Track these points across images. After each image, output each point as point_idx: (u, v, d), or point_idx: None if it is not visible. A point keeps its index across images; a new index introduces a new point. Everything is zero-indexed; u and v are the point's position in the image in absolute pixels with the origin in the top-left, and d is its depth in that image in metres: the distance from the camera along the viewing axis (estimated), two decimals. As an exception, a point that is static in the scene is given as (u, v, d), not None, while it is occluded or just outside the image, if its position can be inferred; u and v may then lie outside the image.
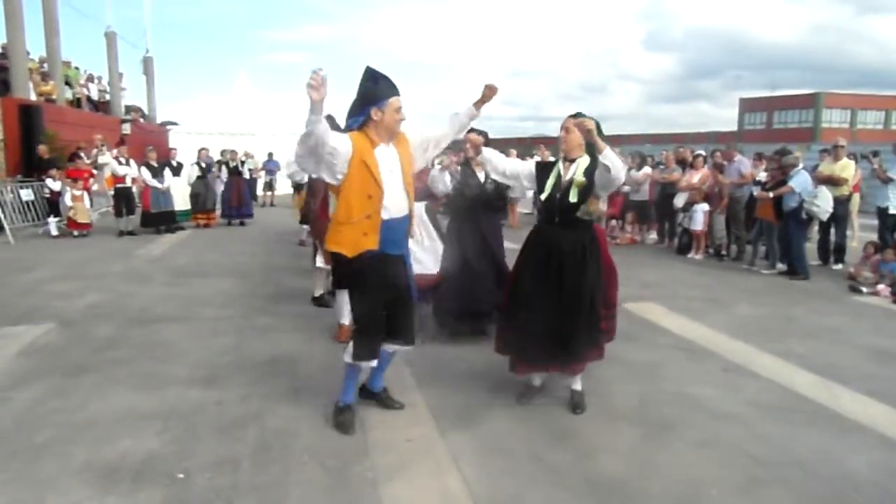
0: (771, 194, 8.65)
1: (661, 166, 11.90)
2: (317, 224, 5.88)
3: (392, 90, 3.52)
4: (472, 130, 5.40)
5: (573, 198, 3.86)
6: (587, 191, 3.86)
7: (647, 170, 11.75)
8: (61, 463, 3.34)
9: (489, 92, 3.84)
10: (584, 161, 3.90)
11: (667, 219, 11.62)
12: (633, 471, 3.34)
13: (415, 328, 3.86)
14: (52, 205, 12.54)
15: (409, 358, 4.70)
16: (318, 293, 6.79)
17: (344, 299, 5.42)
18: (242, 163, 16.06)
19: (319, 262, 6.56)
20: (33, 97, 16.18)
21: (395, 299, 3.68)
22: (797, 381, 4.69)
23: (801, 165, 8.75)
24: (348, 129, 3.61)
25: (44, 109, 15.56)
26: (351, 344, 3.70)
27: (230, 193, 14.78)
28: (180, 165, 13.52)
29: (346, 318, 5.40)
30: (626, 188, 12.04)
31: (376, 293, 3.61)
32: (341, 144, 3.41)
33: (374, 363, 3.79)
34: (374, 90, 3.50)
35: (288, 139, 20.68)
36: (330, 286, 6.02)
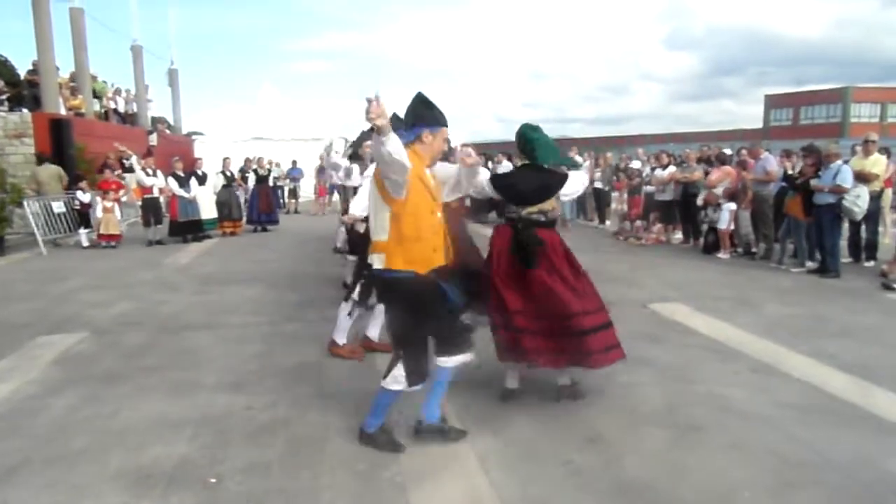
0: (826, 188, 8.38)
1: (685, 165, 11.79)
2: None
3: (444, 120, 3.58)
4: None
5: None
6: None
7: (671, 169, 11.65)
8: (97, 469, 3.41)
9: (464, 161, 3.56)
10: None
11: (690, 218, 11.52)
12: (662, 474, 3.31)
13: (464, 336, 3.63)
14: (83, 216, 12.80)
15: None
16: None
17: (345, 317, 5.20)
18: (269, 171, 16.33)
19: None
20: (63, 111, 16.51)
21: (448, 312, 3.59)
22: (830, 381, 4.61)
23: (841, 160, 8.57)
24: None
25: (74, 123, 15.87)
26: (398, 369, 3.47)
27: (258, 200, 15.06)
28: (206, 175, 13.74)
29: (343, 337, 5.32)
30: (651, 188, 11.95)
31: (432, 312, 3.49)
32: (406, 160, 3.27)
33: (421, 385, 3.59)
34: (429, 115, 3.55)
35: (312, 147, 21.02)
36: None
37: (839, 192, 8.24)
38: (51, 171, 13.48)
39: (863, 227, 9.30)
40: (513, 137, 5.20)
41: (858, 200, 8.26)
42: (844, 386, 4.51)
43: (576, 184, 4.28)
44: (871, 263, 9.09)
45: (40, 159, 13.89)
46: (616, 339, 4.13)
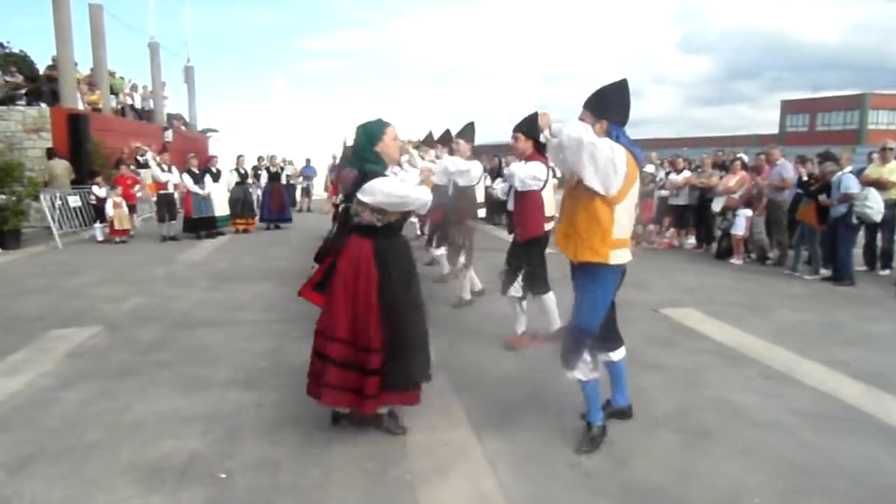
0: (835, 201, 8.36)
1: (699, 170, 11.74)
2: None
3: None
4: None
5: None
6: None
7: (686, 174, 11.59)
8: (109, 462, 3.45)
9: None
10: None
11: (704, 223, 11.45)
12: (671, 478, 3.30)
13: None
14: (98, 211, 12.92)
15: (446, 363, 4.73)
16: (468, 296, 7.08)
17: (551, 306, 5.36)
18: (282, 168, 16.42)
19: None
20: (81, 106, 16.70)
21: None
22: (841, 389, 4.57)
23: (848, 168, 8.53)
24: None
25: (91, 118, 16.04)
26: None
27: (270, 198, 15.15)
28: (220, 172, 13.85)
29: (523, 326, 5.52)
30: (664, 192, 11.89)
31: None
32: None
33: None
34: None
35: (326, 145, 21.09)
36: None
37: (849, 199, 8.19)
38: (65, 165, 13.93)
39: (878, 235, 9.22)
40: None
41: (868, 202, 8.22)
42: (857, 394, 4.48)
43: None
44: (887, 272, 9.01)
45: (51, 154, 14.13)
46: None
